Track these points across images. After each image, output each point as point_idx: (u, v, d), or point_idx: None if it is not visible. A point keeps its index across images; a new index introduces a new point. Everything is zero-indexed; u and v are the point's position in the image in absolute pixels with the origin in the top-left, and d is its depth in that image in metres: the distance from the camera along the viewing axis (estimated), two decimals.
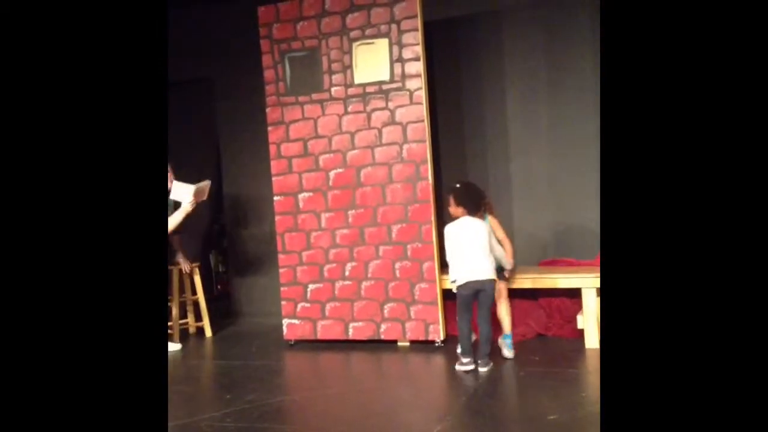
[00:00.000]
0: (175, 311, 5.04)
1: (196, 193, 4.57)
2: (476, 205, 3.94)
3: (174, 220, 4.61)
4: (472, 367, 3.76)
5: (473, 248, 3.79)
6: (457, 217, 3.90)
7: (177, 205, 4.64)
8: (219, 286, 6.86)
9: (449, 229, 3.89)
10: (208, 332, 5.20)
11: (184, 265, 5.10)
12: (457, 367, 3.82)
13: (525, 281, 4.35)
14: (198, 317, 5.31)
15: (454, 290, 3.85)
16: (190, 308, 5.37)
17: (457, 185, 4.01)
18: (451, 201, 3.93)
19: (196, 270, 5.21)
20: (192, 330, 5.38)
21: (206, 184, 4.67)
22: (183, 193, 4.55)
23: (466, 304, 3.81)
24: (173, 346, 4.80)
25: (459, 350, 3.85)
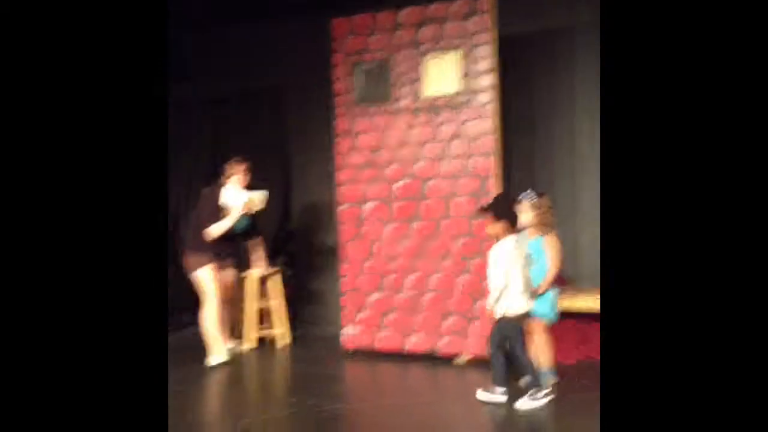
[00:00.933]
0: (249, 315, 5.02)
1: (249, 202, 4.58)
2: (515, 218, 3.58)
3: (221, 226, 4.56)
4: (505, 398, 3.52)
5: (523, 271, 3.51)
6: (498, 237, 3.58)
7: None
8: (285, 290, 6.96)
9: (504, 248, 3.53)
10: (286, 338, 5.13)
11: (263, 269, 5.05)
12: (491, 397, 3.54)
13: (589, 302, 4.22)
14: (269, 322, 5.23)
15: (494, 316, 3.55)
16: (273, 313, 5.22)
17: (491, 201, 3.70)
18: (490, 218, 3.58)
19: (277, 275, 5.19)
20: (272, 336, 5.21)
21: (261, 194, 4.68)
22: (235, 200, 4.57)
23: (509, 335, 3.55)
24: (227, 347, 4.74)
25: (496, 383, 3.55)
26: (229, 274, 4.82)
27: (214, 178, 4.83)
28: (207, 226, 4.59)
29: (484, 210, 3.62)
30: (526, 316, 3.56)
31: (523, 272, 3.53)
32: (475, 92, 4.35)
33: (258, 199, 4.67)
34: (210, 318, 4.56)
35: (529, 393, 3.47)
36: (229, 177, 4.68)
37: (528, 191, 3.86)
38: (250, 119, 6.26)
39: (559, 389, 3.72)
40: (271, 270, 5.13)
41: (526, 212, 3.78)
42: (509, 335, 3.53)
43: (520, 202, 3.81)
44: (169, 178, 6.05)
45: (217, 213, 4.60)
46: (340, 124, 4.77)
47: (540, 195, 3.83)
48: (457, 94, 4.40)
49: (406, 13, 4.54)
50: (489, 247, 4.32)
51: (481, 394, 3.57)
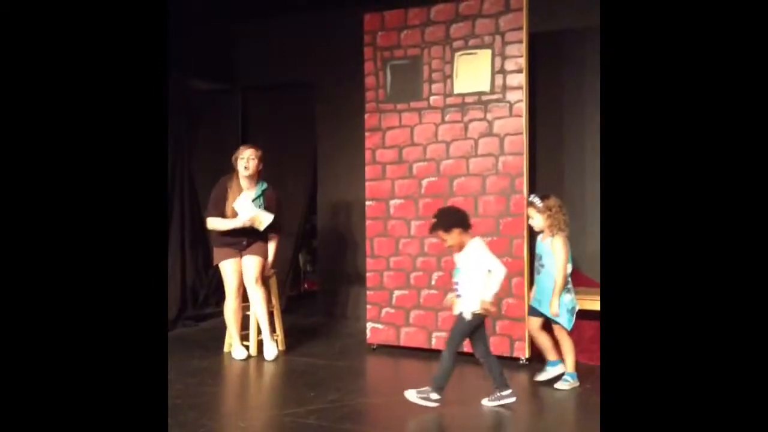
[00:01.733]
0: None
1: (254, 219, 4.41)
2: (465, 222, 3.54)
3: (220, 225, 4.44)
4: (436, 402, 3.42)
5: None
6: (461, 245, 3.51)
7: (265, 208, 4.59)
8: (306, 285, 7.02)
9: (478, 249, 3.49)
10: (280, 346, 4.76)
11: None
12: (427, 403, 3.43)
13: None
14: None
15: (468, 317, 3.47)
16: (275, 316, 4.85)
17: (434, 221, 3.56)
18: (441, 234, 3.49)
19: (273, 277, 4.86)
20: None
21: (268, 217, 4.47)
22: (245, 209, 4.41)
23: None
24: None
25: (438, 385, 3.46)
26: (253, 261, 4.55)
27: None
28: (208, 215, 4.51)
29: (433, 230, 3.55)
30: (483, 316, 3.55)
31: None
32: (505, 90, 4.33)
33: (265, 220, 4.46)
34: (226, 312, 4.55)
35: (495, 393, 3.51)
36: (236, 160, 4.47)
37: (533, 195, 3.89)
38: (283, 112, 6.30)
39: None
40: (271, 272, 4.79)
41: (536, 216, 3.82)
42: (469, 335, 3.53)
43: (530, 205, 3.86)
44: (196, 168, 6.16)
45: (221, 203, 4.45)
46: (370, 119, 4.78)
47: (544, 197, 3.84)
48: (488, 92, 4.39)
49: (438, 10, 4.53)
50: (518, 246, 4.31)
51: (486, 402, 3.54)
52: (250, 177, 4.51)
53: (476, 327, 3.49)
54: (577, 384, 3.83)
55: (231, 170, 4.57)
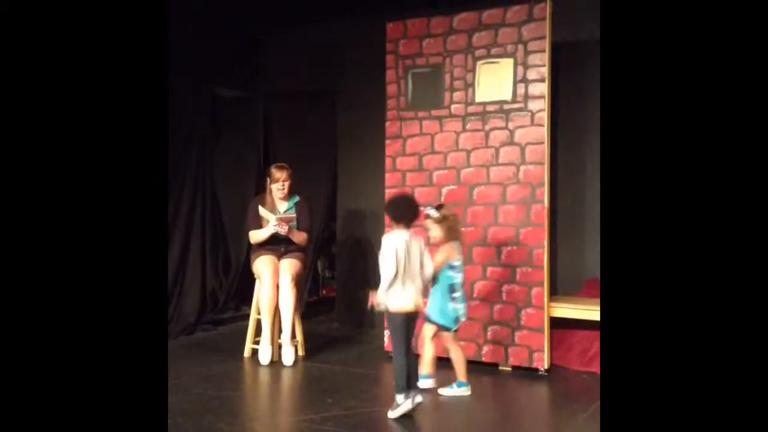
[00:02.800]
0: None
1: (281, 218, 4.61)
2: (412, 217, 3.54)
3: (258, 235, 4.66)
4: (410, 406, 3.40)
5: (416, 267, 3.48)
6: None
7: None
8: (324, 291, 7.03)
9: (391, 239, 3.44)
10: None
11: None
12: (398, 412, 3.39)
13: None
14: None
15: (388, 312, 3.45)
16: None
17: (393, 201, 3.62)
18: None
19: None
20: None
21: (290, 217, 4.68)
22: (269, 216, 4.63)
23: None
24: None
25: (401, 391, 3.40)
26: (291, 263, 4.65)
27: (263, 180, 4.89)
28: (248, 229, 4.78)
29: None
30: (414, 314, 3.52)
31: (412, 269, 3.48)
32: (527, 100, 4.32)
33: (288, 221, 4.65)
34: (263, 304, 4.58)
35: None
36: (273, 182, 4.73)
37: (429, 207, 3.85)
38: (302, 119, 6.34)
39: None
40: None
41: (433, 227, 3.80)
42: (392, 331, 3.49)
43: (427, 217, 3.81)
44: (218, 174, 6.24)
45: (257, 219, 4.71)
46: (391, 127, 4.79)
47: (439, 207, 3.84)
48: (510, 101, 4.38)
49: (460, 19, 4.53)
50: (538, 256, 4.28)
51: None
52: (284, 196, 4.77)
53: (407, 322, 3.44)
54: (466, 393, 3.78)
55: (262, 187, 4.79)
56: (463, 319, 3.88)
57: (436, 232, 3.82)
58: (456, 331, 3.90)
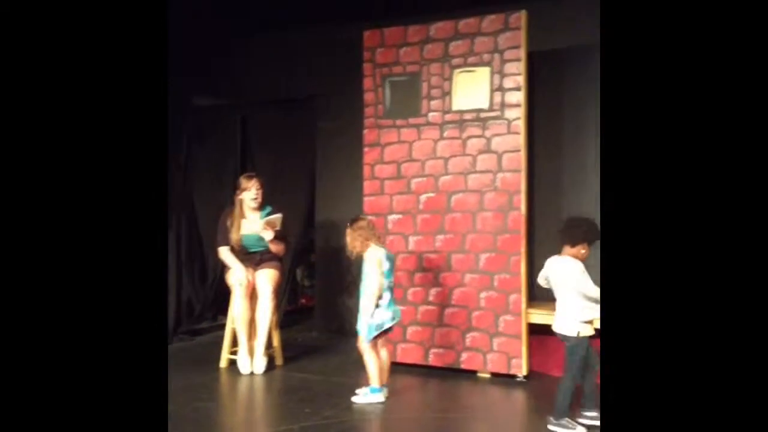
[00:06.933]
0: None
1: (267, 223, 4.59)
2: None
3: (233, 263, 4.60)
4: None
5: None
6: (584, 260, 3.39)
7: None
8: (303, 300, 6.99)
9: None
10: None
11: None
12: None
13: None
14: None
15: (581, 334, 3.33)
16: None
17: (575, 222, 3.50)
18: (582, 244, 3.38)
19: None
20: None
21: (277, 217, 4.64)
22: (252, 227, 4.61)
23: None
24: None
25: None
26: (268, 274, 4.64)
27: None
28: (218, 245, 4.71)
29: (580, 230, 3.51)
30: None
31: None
32: (504, 108, 4.35)
33: (276, 219, 4.63)
34: (237, 317, 4.56)
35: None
36: (242, 192, 4.67)
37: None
38: (280, 127, 6.32)
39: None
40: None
41: (348, 238, 3.89)
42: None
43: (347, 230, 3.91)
44: (194, 182, 6.19)
45: (226, 233, 4.65)
46: (369, 135, 4.79)
47: (354, 221, 3.91)
48: (486, 109, 4.41)
49: (437, 27, 4.56)
50: (515, 263, 4.31)
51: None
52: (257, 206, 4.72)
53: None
54: (379, 401, 3.75)
55: (232, 201, 4.76)
56: (388, 325, 3.79)
57: (351, 241, 3.86)
58: (381, 336, 3.82)
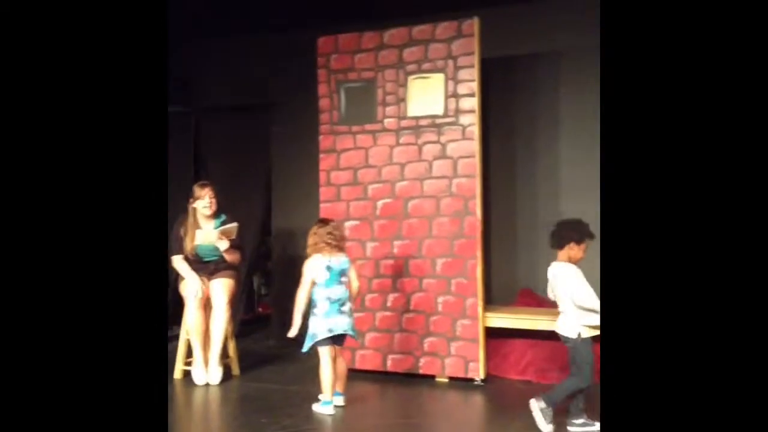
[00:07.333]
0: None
1: (222, 233, 4.51)
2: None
3: (185, 272, 4.53)
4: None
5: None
6: (579, 260, 3.40)
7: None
8: (260, 309, 6.91)
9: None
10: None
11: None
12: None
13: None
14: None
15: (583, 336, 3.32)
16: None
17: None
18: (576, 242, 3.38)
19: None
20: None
21: (233, 226, 4.58)
22: (207, 236, 4.51)
23: None
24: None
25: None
26: (223, 284, 4.58)
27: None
28: (172, 254, 4.59)
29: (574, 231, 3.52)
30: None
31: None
32: (458, 114, 4.39)
33: (233, 228, 4.56)
34: (191, 328, 4.48)
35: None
36: (195, 200, 4.59)
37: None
38: (235, 133, 6.23)
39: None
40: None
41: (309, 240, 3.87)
42: None
43: None
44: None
45: (179, 242, 4.56)
46: (324, 141, 4.77)
47: (316, 223, 3.91)
48: (441, 115, 4.44)
49: (391, 34, 4.58)
50: (471, 268, 4.34)
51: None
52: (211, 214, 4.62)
53: None
54: (327, 413, 3.69)
55: (185, 210, 4.64)
56: (320, 337, 3.72)
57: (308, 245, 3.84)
58: (334, 344, 3.77)
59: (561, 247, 3.39)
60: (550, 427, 3.29)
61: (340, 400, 3.82)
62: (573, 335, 3.31)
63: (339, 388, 3.83)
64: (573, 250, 3.36)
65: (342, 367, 3.86)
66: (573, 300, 3.28)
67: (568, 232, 3.38)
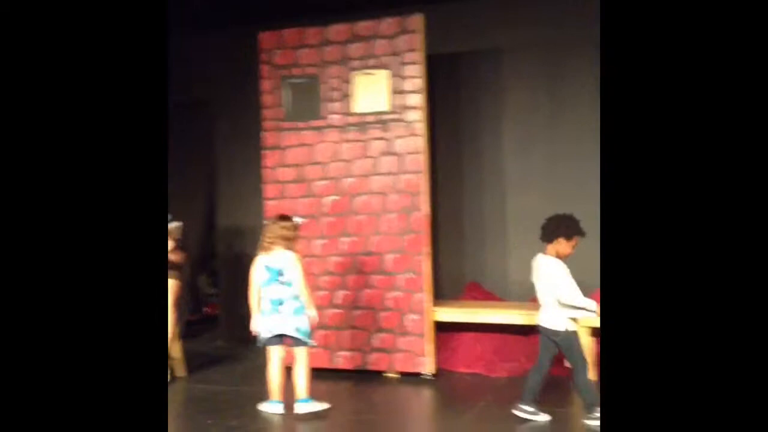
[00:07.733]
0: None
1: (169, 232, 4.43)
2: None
3: None
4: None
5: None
6: (566, 255, 3.39)
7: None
8: (207, 309, 6.78)
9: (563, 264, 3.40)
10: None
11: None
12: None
13: (517, 317, 4.33)
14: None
15: (571, 329, 3.35)
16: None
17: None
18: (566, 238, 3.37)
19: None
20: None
21: (177, 226, 4.49)
22: None
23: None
24: None
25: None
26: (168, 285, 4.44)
27: None
28: None
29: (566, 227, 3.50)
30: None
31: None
32: (404, 110, 4.40)
33: (172, 231, 4.43)
34: None
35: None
36: None
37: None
38: (178, 131, 6.08)
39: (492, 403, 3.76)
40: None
41: None
42: None
43: None
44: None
45: None
46: (268, 138, 4.71)
47: (275, 220, 3.85)
48: (387, 111, 4.43)
49: (334, 30, 4.54)
50: (419, 263, 4.36)
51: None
52: None
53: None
54: (318, 409, 3.68)
55: None
56: (263, 336, 3.69)
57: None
58: (278, 343, 3.73)
59: (550, 240, 3.38)
60: (546, 416, 3.34)
61: (306, 407, 3.66)
62: (561, 329, 3.32)
63: (300, 394, 3.68)
64: (561, 245, 3.36)
65: (299, 369, 3.70)
66: (558, 298, 3.29)
67: (558, 227, 3.36)
